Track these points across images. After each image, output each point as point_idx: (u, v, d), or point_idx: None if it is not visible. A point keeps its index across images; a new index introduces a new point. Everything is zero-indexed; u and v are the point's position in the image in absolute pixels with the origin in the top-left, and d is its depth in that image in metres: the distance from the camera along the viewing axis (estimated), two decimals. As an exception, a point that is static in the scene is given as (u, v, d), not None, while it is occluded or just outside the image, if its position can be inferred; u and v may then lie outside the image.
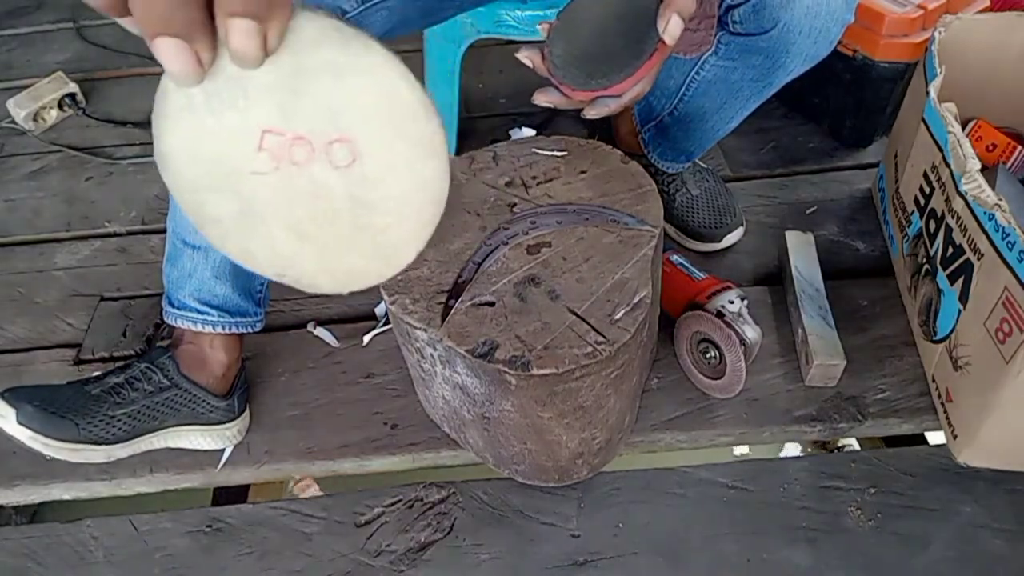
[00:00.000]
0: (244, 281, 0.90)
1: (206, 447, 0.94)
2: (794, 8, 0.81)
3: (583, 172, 0.88)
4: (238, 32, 0.29)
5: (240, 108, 0.38)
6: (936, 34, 0.98)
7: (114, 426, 0.85)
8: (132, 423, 0.86)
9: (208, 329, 0.89)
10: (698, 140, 1.05)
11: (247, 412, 0.98)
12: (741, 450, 1.20)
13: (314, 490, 1.19)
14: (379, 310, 1.12)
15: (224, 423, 0.93)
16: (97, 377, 0.88)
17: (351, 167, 0.40)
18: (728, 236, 1.13)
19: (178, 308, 0.89)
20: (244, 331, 0.92)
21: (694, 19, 0.86)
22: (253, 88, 0.37)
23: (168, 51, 0.29)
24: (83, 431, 0.83)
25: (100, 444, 0.85)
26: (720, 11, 0.85)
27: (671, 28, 0.62)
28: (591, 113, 0.68)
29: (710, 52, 0.91)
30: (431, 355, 0.80)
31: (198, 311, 0.88)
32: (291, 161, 0.39)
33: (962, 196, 0.84)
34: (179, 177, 0.41)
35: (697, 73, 0.95)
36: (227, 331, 0.90)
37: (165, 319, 0.91)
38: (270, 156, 0.39)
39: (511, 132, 1.39)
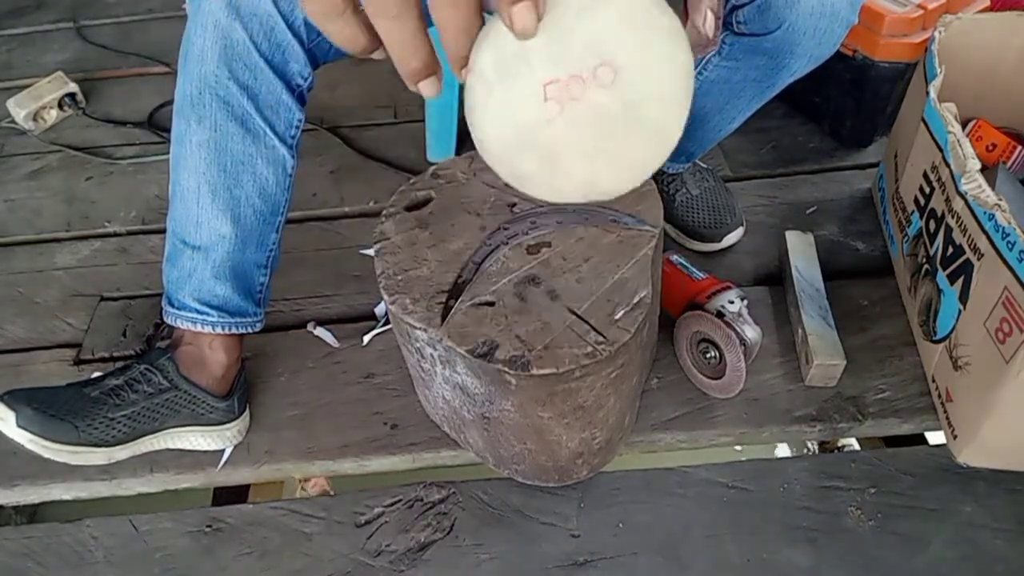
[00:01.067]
0: (244, 282, 0.90)
1: (206, 448, 0.94)
2: (799, 9, 0.81)
3: (583, 172, 0.88)
4: (520, 14, 0.38)
5: (525, 74, 0.48)
6: (936, 34, 0.98)
7: (114, 428, 0.85)
8: (132, 425, 0.86)
9: (208, 329, 0.89)
10: (699, 140, 1.05)
11: (247, 412, 0.98)
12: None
13: (322, 487, 1.20)
14: (379, 310, 1.12)
15: (224, 424, 0.93)
16: (96, 379, 0.88)
17: (616, 81, 0.50)
18: (728, 236, 1.13)
19: (178, 308, 0.89)
20: (244, 331, 0.92)
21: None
22: (530, 54, 0.47)
23: (523, 11, 0.39)
24: (83, 433, 0.83)
25: (100, 446, 0.85)
26: (725, 11, 0.85)
27: (708, 24, 0.64)
28: None
29: (714, 52, 0.91)
30: (431, 355, 0.80)
31: (198, 311, 0.88)
32: (570, 98, 0.49)
33: (962, 196, 0.84)
34: (495, 152, 0.52)
35: (700, 73, 0.95)
36: (227, 331, 0.90)
37: (165, 319, 0.91)
38: (555, 102, 0.49)
39: (511, 132, 1.39)
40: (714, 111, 0.99)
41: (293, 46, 0.78)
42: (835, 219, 1.19)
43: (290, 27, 0.76)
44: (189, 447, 0.93)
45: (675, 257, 1.03)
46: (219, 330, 0.89)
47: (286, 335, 1.09)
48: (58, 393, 0.86)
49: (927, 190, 0.95)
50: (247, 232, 0.86)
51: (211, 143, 0.80)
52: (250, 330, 0.93)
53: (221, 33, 0.75)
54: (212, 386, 0.91)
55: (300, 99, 0.83)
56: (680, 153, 1.10)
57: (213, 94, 0.77)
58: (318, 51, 0.82)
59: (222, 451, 0.95)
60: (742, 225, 1.14)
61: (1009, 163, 1.07)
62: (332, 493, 1.15)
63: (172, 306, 0.89)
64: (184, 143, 0.81)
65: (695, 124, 1.02)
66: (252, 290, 0.92)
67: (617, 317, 0.74)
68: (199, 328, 0.89)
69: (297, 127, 0.84)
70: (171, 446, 0.92)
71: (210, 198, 0.82)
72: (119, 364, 0.92)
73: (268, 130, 0.81)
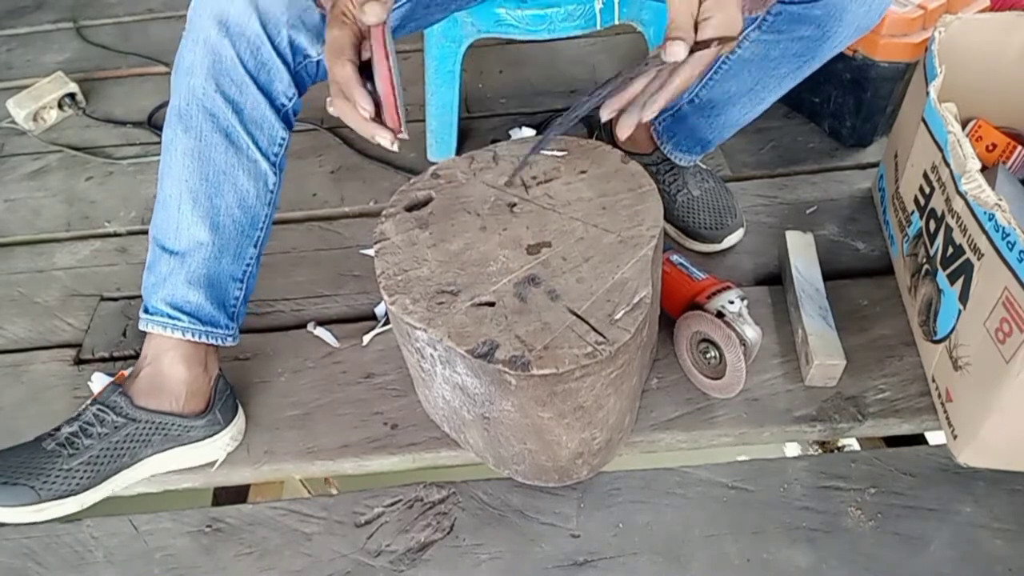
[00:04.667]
0: (218, 292, 0.89)
1: (202, 461, 0.93)
2: None
3: (583, 172, 0.88)
4: None
5: None
6: (936, 34, 0.98)
7: (73, 478, 0.84)
8: (94, 469, 0.85)
9: (177, 335, 0.87)
10: (719, 128, 1.04)
11: (239, 417, 0.96)
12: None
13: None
14: (379, 310, 1.12)
15: (211, 436, 0.92)
16: (55, 429, 0.87)
17: None
18: (729, 237, 1.13)
19: (150, 314, 0.88)
20: (214, 343, 0.90)
21: None
22: None
23: None
24: (42, 492, 0.82)
25: (65, 497, 0.84)
26: None
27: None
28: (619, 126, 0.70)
29: (753, 28, 0.90)
30: (431, 355, 0.80)
31: (168, 316, 0.87)
32: None
33: (962, 196, 0.84)
34: None
35: (732, 52, 0.92)
36: (196, 339, 0.88)
37: (139, 327, 0.89)
38: None
39: (511, 132, 1.39)
40: (740, 94, 0.96)
41: (278, 66, 0.80)
42: (835, 219, 1.19)
43: (275, 48, 0.79)
44: (181, 466, 0.92)
45: (675, 257, 1.03)
46: (188, 336, 0.88)
47: (286, 335, 1.09)
48: (16, 453, 0.85)
49: (927, 190, 0.95)
50: (225, 241, 0.86)
51: (195, 152, 0.81)
52: (220, 343, 0.91)
53: (210, 49, 0.77)
54: (181, 407, 0.89)
55: (285, 119, 0.85)
56: (696, 143, 1.08)
57: (200, 105, 0.79)
58: (304, 74, 0.84)
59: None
60: (743, 226, 1.14)
61: (1009, 163, 1.07)
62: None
63: (146, 312, 0.88)
64: (170, 151, 0.83)
65: (717, 110, 1.00)
66: (226, 302, 0.90)
67: (617, 317, 0.74)
68: (169, 332, 0.87)
69: (280, 145, 0.86)
70: (160, 470, 0.91)
71: (190, 205, 0.83)
72: (76, 411, 0.89)
73: (251, 144, 0.83)
